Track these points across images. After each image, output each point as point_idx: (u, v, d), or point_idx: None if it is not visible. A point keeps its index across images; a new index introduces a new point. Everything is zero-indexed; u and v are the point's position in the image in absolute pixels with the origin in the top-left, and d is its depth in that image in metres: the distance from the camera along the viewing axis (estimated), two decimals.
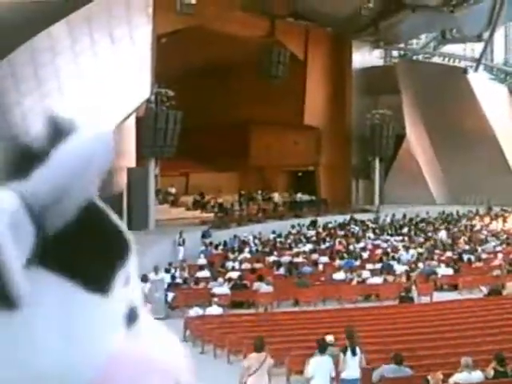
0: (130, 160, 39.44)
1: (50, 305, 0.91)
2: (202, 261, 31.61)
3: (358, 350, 14.64)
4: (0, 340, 0.91)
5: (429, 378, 13.95)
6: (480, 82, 57.49)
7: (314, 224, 45.95)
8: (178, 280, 27.27)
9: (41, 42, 32.25)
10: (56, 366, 0.91)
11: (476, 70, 58.86)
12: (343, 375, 14.54)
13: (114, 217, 1.01)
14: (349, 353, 14.49)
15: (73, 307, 0.93)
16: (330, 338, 16.08)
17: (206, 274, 28.02)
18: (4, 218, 0.84)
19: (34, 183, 0.89)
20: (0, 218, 0.84)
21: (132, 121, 39.32)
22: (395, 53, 62.14)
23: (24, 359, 0.90)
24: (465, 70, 57.60)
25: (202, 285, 25.97)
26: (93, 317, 0.94)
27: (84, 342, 0.93)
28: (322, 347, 14.48)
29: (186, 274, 28.65)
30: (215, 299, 22.57)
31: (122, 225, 1.02)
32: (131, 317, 1.00)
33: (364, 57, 57.75)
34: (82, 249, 0.93)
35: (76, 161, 0.90)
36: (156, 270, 25.87)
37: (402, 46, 61.84)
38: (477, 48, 60.64)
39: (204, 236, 38.37)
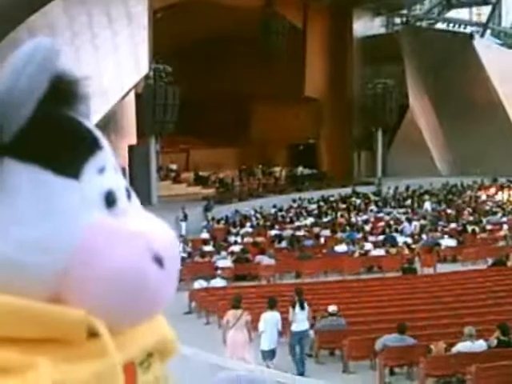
0: (130, 137, 39.45)
1: (25, 189, 1.03)
2: (205, 235, 31.69)
3: (305, 304, 15.94)
4: None
5: (431, 346, 13.98)
6: (487, 49, 56.26)
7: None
8: (183, 254, 27.29)
9: (39, 21, 32.20)
10: (36, 235, 1.02)
11: (482, 35, 58.08)
12: (293, 327, 15.69)
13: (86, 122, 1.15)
14: (298, 308, 15.73)
15: (46, 189, 1.04)
16: (332, 308, 16.31)
17: (209, 248, 28.14)
18: None
19: None
20: None
21: (131, 98, 39.25)
22: (398, 20, 60.95)
23: (8, 232, 1.02)
24: (471, 36, 56.65)
25: (205, 258, 26.12)
26: (67, 196, 1.05)
27: (62, 216, 1.04)
28: (271, 304, 15.48)
29: (189, 249, 28.72)
30: (219, 272, 22.82)
31: (93, 127, 1.15)
32: (109, 199, 1.10)
33: (365, 25, 56.93)
34: (49, 138, 1.06)
35: (17, 61, 1.02)
36: None
37: (404, 12, 60.75)
38: (483, 12, 59.80)
39: (206, 209, 38.35)
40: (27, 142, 1.04)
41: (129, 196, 1.17)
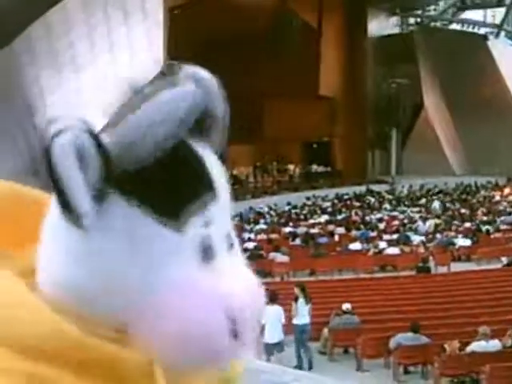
0: None
1: (122, 233, 1.02)
2: None
3: (309, 300, 16.28)
4: (75, 252, 1.03)
5: (446, 346, 13.97)
6: (501, 50, 56.25)
7: None
8: None
9: (55, 16, 32.30)
10: (120, 279, 1.02)
11: (497, 36, 57.94)
12: (295, 321, 16.01)
13: (210, 165, 1.08)
14: (301, 302, 16.09)
15: (145, 237, 1.02)
16: (347, 306, 16.36)
17: None
18: (70, 138, 0.96)
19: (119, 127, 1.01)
20: (66, 138, 0.96)
21: None
22: (412, 20, 60.95)
23: (93, 270, 1.02)
24: (485, 37, 56.54)
25: None
26: (162, 246, 1.02)
27: (149, 265, 1.02)
28: (272, 298, 15.21)
29: None
30: None
31: (216, 173, 1.09)
32: (207, 254, 1.05)
33: (380, 25, 56.92)
34: (159, 182, 1.02)
35: (152, 115, 1.00)
36: None
37: (419, 12, 60.77)
38: (498, 14, 59.64)
39: None
40: (137, 181, 1.01)
41: (230, 246, 1.11)
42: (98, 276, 1.02)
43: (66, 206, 0.97)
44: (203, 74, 1.11)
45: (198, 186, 1.05)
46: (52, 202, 1.04)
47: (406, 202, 43.80)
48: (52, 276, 1.06)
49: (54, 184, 0.96)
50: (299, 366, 15.37)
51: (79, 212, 0.97)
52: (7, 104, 29.56)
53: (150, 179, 1.01)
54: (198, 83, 1.06)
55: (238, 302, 1.04)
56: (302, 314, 16.09)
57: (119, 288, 1.02)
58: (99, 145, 0.97)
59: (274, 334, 15.34)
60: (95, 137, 0.97)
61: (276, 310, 15.49)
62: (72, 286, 1.04)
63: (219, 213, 1.07)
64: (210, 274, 1.05)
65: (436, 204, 41.64)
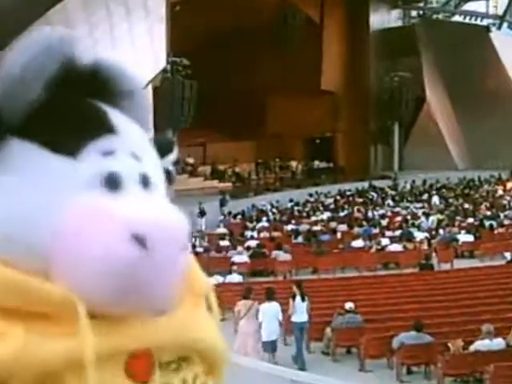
0: (147, 131, 39.55)
1: (20, 169, 1.08)
2: (222, 230, 31.65)
3: (306, 297, 16.37)
4: None
5: (449, 344, 13.92)
6: (503, 41, 55.79)
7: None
8: (199, 249, 27.31)
9: (56, 16, 32.29)
10: (22, 209, 1.06)
11: (499, 27, 57.67)
12: (293, 318, 16.11)
13: (109, 113, 1.17)
14: (298, 300, 16.14)
15: (38, 167, 1.08)
16: (349, 305, 16.36)
17: (225, 242, 28.13)
18: None
19: None
20: None
21: (149, 92, 39.29)
22: (414, 13, 60.69)
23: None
24: (487, 29, 56.31)
25: (221, 253, 26.10)
26: (58, 174, 1.08)
27: (50, 193, 1.06)
28: (269, 295, 16.00)
29: (205, 243, 28.72)
30: (235, 267, 22.70)
31: (118, 121, 1.17)
32: (111, 182, 1.09)
33: (382, 18, 56.71)
34: (52, 120, 1.11)
35: (21, 51, 1.08)
36: None
37: (421, 5, 60.49)
38: (500, 4, 59.37)
39: (222, 204, 38.32)
40: (29, 121, 1.09)
41: (145, 183, 1.15)
42: (4, 216, 1.06)
43: None
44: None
45: (89, 120, 1.13)
46: None
47: (409, 198, 43.72)
48: None
49: None
50: (300, 364, 15.46)
51: None
52: None
53: (41, 117, 1.09)
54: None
55: (140, 218, 1.05)
56: (300, 312, 16.18)
57: (24, 222, 1.05)
58: None
59: (270, 332, 15.56)
60: None
61: (273, 307, 15.73)
62: None
63: (122, 148, 1.13)
64: (113, 199, 1.08)
65: (435, 199, 41.66)
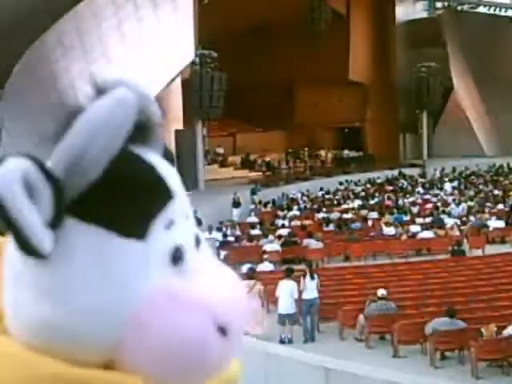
0: (177, 122, 39.75)
1: (85, 256, 1.01)
2: (253, 219, 31.73)
3: (315, 275, 17.65)
4: (42, 287, 1.02)
5: (482, 330, 13.99)
6: None
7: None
8: (230, 238, 27.47)
9: (85, 10, 32.49)
10: (90, 302, 1.00)
11: None
12: (304, 296, 17.23)
13: (159, 168, 1.10)
14: (308, 277, 17.36)
15: (107, 253, 1.01)
16: (382, 292, 16.38)
17: (256, 231, 28.20)
18: (15, 176, 0.95)
19: (57, 149, 1.00)
20: (11, 176, 0.95)
21: (178, 83, 39.51)
22: (439, 4, 60.72)
23: (63, 298, 1.00)
24: (511, 19, 56.28)
25: (253, 242, 26.14)
26: (129, 260, 1.02)
27: (121, 283, 1.01)
28: (288, 273, 17.51)
29: (237, 232, 28.87)
30: (266, 256, 22.70)
31: (167, 172, 1.11)
32: (176, 256, 1.06)
33: (407, 9, 56.82)
34: (115, 198, 1.02)
35: (91, 125, 0.99)
36: (210, 229, 26.23)
37: None
38: None
39: (253, 193, 38.45)
40: (90, 201, 1.02)
41: (197, 243, 1.13)
42: (70, 308, 1.01)
43: (24, 241, 0.96)
44: (130, 79, 1.08)
45: (151, 192, 1.06)
46: (8, 242, 1.02)
47: (439, 185, 43.66)
48: (20, 317, 1.04)
49: (7, 223, 0.95)
50: (309, 339, 16.82)
51: (36, 243, 0.97)
52: (39, 97, 29.78)
53: (103, 195, 1.02)
54: (129, 88, 1.05)
55: (222, 300, 1.05)
56: (311, 289, 17.34)
57: (95, 316, 1.00)
58: (47, 174, 0.97)
59: (286, 306, 16.91)
60: (41, 166, 0.97)
61: (290, 285, 17.09)
62: (43, 325, 1.02)
63: (179, 212, 1.10)
64: (183, 278, 1.05)
65: (447, 186, 41.80)
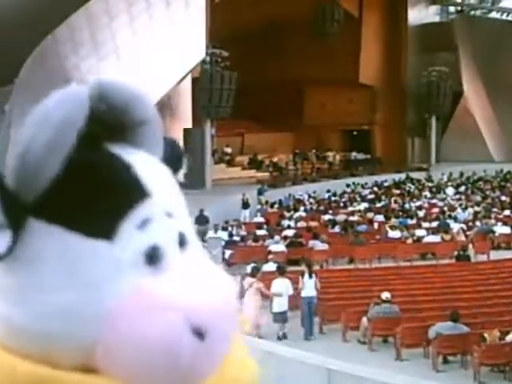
0: (186, 121, 39.84)
1: (52, 257, 0.98)
2: (259, 219, 31.74)
3: (313, 275, 18.08)
4: (6, 291, 1.00)
5: (485, 335, 14.03)
6: None
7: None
8: (236, 238, 27.51)
9: (96, 6, 32.57)
10: (60, 303, 0.97)
11: None
12: (302, 294, 17.64)
13: (133, 165, 1.05)
14: (306, 276, 17.85)
15: (73, 253, 0.98)
16: (386, 295, 16.42)
17: (262, 231, 28.20)
18: None
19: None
20: None
21: (188, 82, 39.58)
22: (452, 9, 60.82)
23: (31, 300, 0.98)
24: None
25: (258, 242, 26.14)
26: (97, 260, 0.98)
27: (89, 284, 0.98)
28: (281, 271, 18.02)
29: (242, 232, 28.89)
30: (271, 256, 22.56)
31: (148, 171, 1.06)
32: (152, 256, 1.01)
33: (420, 13, 56.86)
34: (78, 198, 0.99)
35: (32, 123, 0.98)
36: (216, 228, 26.25)
37: (458, 1, 60.59)
38: None
39: (260, 193, 38.46)
40: (53, 201, 0.99)
41: (182, 242, 1.07)
42: (37, 311, 0.98)
43: None
44: (103, 78, 1.06)
45: (119, 191, 1.02)
46: None
47: (446, 190, 43.65)
48: None
49: None
50: (309, 335, 17.04)
51: None
52: (50, 91, 29.86)
53: (64, 195, 0.99)
54: (90, 85, 1.03)
55: (200, 302, 1.00)
56: (309, 287, 17.74)
57: (65, 317, 0.97)
58: None
59: (281, 304, 17.26)
60: None
61: (283, 282, 17.47)
62: (13, 328, 1.00)
63: (158, 210, 1.04)
64: (160, 278, 1.01)
65: (449, 191, 41.82)
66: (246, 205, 34.47)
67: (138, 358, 0.96)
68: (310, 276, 17.93)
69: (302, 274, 18.09)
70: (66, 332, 0.97)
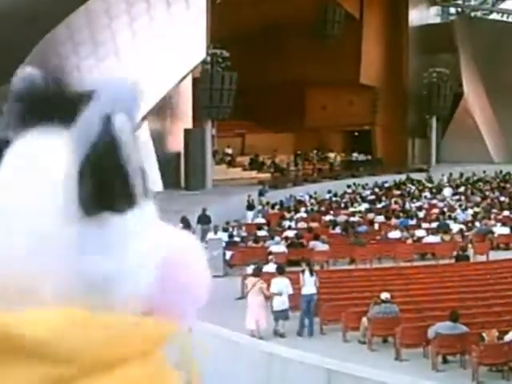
0: (187, 121, 39.89)
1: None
2: (260, 220, 31.78)
3: (314, 273, 18.41)
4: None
5: (484, 335, 14.11)
6: None
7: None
8: (236, 239, 27.56)
9: (96, 6, 32.62)
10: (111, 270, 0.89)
11: None
12: (303, 291, 17.91)
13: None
14: (307, 274, 18.10)
15: (113, 231, 0.90)
16: (385, 295, 16.46)
17: (263, 232, 28.23)
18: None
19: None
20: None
21: (188, 82, 39.64)
22: (452, 10, 60.98)
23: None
24: None
25: (259, 243, 26.13)
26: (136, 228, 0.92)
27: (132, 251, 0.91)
28: (281, 271, 18.29)
29: (243, 233, 28.94)
30: (271, 257, 22.50)
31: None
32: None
33: (421, 14, 57.01)
34: (103, 180, 0.87)
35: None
36: (216, 229, 26.26)
37: (459, 2, 60.73)
38: None
39: (261, 194, 38.53)
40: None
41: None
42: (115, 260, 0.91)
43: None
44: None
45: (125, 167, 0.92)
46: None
47: (443, 190, 43.72)
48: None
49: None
50: (299, 333, 17.39)
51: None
52: None
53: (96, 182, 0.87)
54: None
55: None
56: (310, 285, 17.98)
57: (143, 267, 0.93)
58: None
59: (281, 302, 17.41)
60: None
61: (282, 281, 17.68)
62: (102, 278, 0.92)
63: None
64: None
65: (446, 191, 41.92)
66: (251, 206, 34.51)
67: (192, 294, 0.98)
68: (311, 274, 18.16)
69: (303, 271, 18.48)
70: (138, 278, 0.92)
